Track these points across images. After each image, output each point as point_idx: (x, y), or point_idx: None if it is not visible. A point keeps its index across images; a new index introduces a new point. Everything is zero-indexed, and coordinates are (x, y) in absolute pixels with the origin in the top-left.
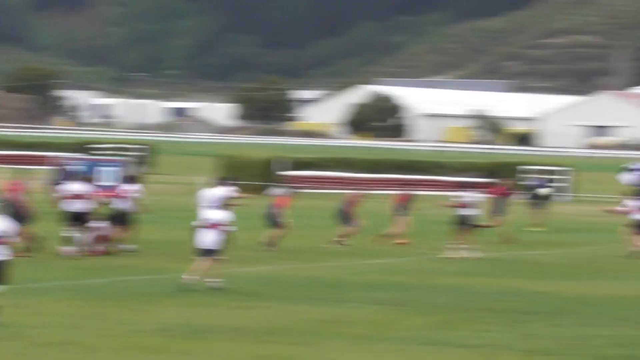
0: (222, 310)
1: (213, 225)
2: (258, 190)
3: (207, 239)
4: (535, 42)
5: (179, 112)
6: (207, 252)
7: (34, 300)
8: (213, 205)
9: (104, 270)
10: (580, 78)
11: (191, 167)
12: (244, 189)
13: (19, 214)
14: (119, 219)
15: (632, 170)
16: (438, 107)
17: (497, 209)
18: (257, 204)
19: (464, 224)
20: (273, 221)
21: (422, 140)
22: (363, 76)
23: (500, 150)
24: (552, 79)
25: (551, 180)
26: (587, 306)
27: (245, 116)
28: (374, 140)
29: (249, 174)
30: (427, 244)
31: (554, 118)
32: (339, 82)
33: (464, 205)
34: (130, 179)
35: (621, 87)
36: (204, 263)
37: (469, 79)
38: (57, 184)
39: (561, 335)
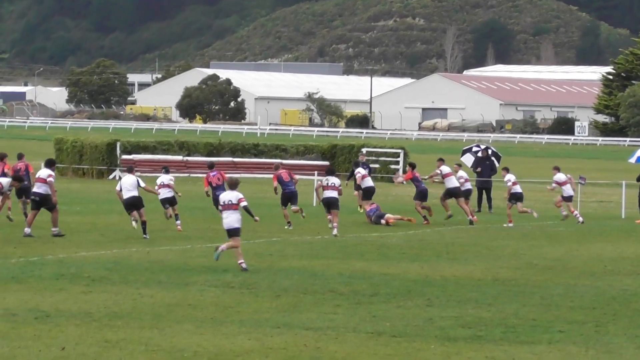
0: (68, 295)
1: None
2: (102, 174)
3: None
4: (364, 25)
5: (11, 96)
6: None
7: None
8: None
9: None
10: (409, 61)
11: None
12: (88, 173)
13: None
14: None
15: (474, 152)
16: (272, 90)
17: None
18: (100, 188)
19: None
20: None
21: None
22: (195, 60)
23: (338, 133)
24: (381, 62)
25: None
26: (432, 287)
27: (79, 100)
28: (211, 123)
29: (92, 158)
30: (274, 227)
31: (386, 100)
32: (172, 65)
33: (328, 188)
34: None
35: (451, 69)
36: None
37: (300, 62)
38: None
39: (407, 317)
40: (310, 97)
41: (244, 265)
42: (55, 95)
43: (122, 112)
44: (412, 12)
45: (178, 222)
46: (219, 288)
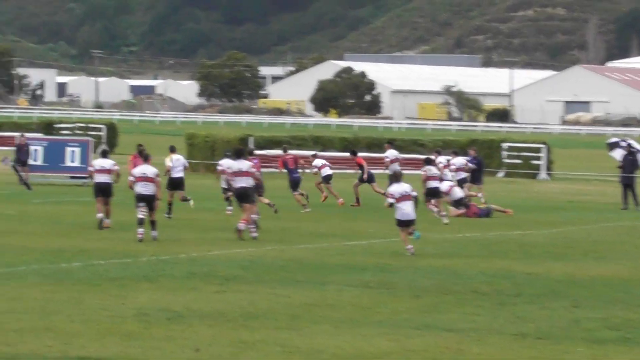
0: (201, 295)
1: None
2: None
3: None
4: (502, 15)
5: (141, 89)
6: None
7: (6, 286)
8: None
9: (78, 254)
10: (550, 52)
11: (160, 147)
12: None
13: None
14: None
15: (621, 146)
16: (408, 83)
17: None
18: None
19: (436, 196)
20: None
21: (394, 118)
22: (329, 52)
23: (477, 128)
24: (520, 53)
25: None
26: (578, 287)
27: (210, 94)
28: (346, 117)
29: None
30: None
31: (527, 93)
32: (304, 58)
33: (434, 179)
34: (104, 154)
35: (594, 61)
36: None
37: (437, 53)
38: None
39: (552, 318)
40: (448, 90)
41: (412, 250)
42: (185, 89)
43: (254, 106)
44: (552, 2)
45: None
46: (357, 288)
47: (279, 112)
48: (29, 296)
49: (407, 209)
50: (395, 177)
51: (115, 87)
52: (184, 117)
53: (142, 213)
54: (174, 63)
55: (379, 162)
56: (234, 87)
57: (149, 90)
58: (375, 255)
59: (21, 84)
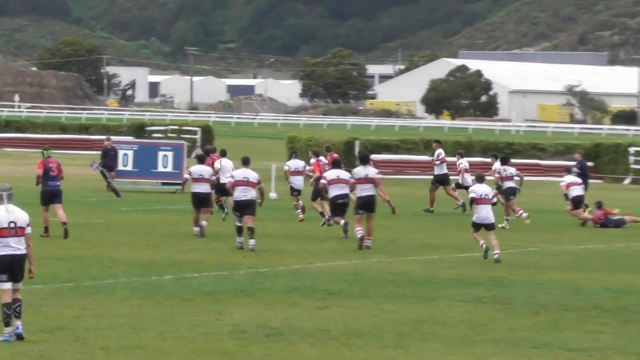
0: (303, 310)
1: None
2: None
3: None
4: (630, 10)
5: (239, 90)
6: None
7: (93, 300)
8: None
9: (170, 266)
10: None
11: (261, 152)
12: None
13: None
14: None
15: None
16: (528, 83)
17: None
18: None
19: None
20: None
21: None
22: (442, 49)
23: (602, 131)
24: None
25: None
26: None
27: (314, 94)
28: (460, 120)
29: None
30: (531, 235)
31: None
32: (415, 55)
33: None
34: (201, 159)
35: None
36: None
37: (559, 50)
38: (109, 168)
39: None
40: (570, 91)
41: (498, 256)
42: (286, 89)
43: (361, 107)
44: None
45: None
46: (470, 303)
47: (387, 113)
48: (117, 311)
49: (484, 212)
50: (479, 178)
51: (212, 87)
52: (285, 119)
53: (238, 221)
54: (275, 61)
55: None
56: (339, 87)
57: (248, 90)
58: (490, 268)
59: (110, 83)
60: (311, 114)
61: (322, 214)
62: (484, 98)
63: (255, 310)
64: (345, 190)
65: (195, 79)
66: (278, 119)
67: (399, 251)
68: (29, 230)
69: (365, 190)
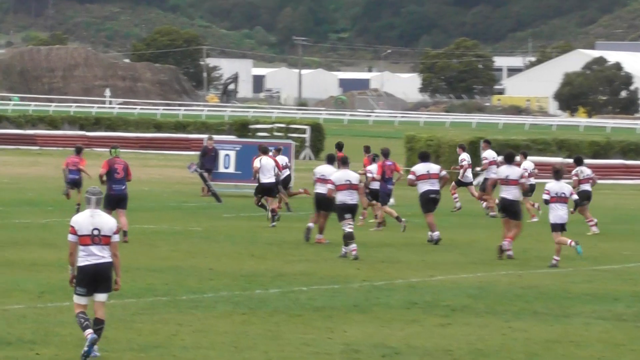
0: (422, 328)
1: None
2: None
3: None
4: None
5: (353, 84)
6: None
7: (191, 316)
8: None
9: (276, 278)
10: None
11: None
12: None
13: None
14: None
15: None
16: None
17: None
18: (461, 196)
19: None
20: None
21: None
22: (577, 39)
23: None
24: None
25: None
26: None
27: (435, 89)
28: (597, 117)
29: (452, 160)
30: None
31: None
32: (547, 46)
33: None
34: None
35: None
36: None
37: None
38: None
39: None
40: None
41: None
42: (405, 83)
43: (487, 104)
44: None
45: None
46: (608, 321)
47: (516, 110)
48: (218, 328)
49: (561, 212)
50: (557, 174)
51: (322, 81)
52: (403, 117)
53: (349, 226)
54: (392, 52)
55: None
56: (462, 81)
57: (362, 84)
58: (631, 282)
59: (211, 77)
60: (432, 111)
61: (397, 218)
62: (623, 94)
63: (370, 328)
64: (436, 185)
65: (303, 72)
66: (395, 117)
67: (530, 263)
68: (115, 238)
69: (508, 193)
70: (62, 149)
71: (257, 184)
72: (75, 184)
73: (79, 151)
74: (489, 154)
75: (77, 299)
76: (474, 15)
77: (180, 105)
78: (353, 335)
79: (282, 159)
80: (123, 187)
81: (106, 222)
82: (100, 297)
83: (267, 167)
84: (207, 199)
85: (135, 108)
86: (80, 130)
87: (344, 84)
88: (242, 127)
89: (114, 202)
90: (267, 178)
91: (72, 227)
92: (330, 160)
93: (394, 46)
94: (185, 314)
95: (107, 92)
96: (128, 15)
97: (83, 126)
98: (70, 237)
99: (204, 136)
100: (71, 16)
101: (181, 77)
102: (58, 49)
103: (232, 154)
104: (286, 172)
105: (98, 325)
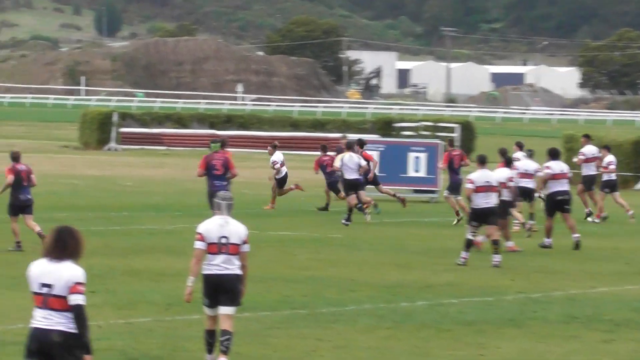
0: (583, 344)
1: None
2: (629, 183)
3: None
4: None
5: (506, 78)
6: None
7: (331, 330)
8: None
9: (423, 289)
10: None
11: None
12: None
13: None
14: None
15: None
16: None
17: None
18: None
19: None
20: None
21: None
22: None
23: None
24: None
25: None
26: None
27: (596, 84)
28: None
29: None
30: None
31: None
32: None
33: None
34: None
35: None
36: None
37: None
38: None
39: None
40: None
41: None
42: (563, 78)
43: None
44: None
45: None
46: None
47: None
48: (360, 344)
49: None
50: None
51: (472, 76)
52: (561, 114)
53: (471, 233)
54: (549, 44)
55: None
56: (626, 76)
57: (516, 79)
58: None
59: (352, 71)
60: (592, 108)
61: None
62: None
63: (525, 344)
64: (566, 186)
65: (452, 65)
66: (552, 114)
67: None
68: (245, 247)
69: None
70: (190, 149)
71: (343, 182)
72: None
73: (223, 145)
74: (588, 150)
75: (205, 310)
76: (638, 3)
77: (318, 101)
78: (507, 352)
79: (278, 156)
80: (225, 184)
81: (235, 229)
82: (225, 309)
83: (349, 164)
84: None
85: (270, 105)
86: (210, 129)
87: (496, 78)
88: (385, 126)
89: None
90: (351, 174)
91: (200, 234)
92: (505, 158)
93: (550, 37)
94: (324, 329)
95: (239, 88)
96: (262, 4)
97: (213, 124)
98: (198, 244)
99: (340, 135)
100: (200, 5)
101: (319, 71)
102: (186, 40)
103: (375, 154)
104: (284, 171)
105: (224, 336)
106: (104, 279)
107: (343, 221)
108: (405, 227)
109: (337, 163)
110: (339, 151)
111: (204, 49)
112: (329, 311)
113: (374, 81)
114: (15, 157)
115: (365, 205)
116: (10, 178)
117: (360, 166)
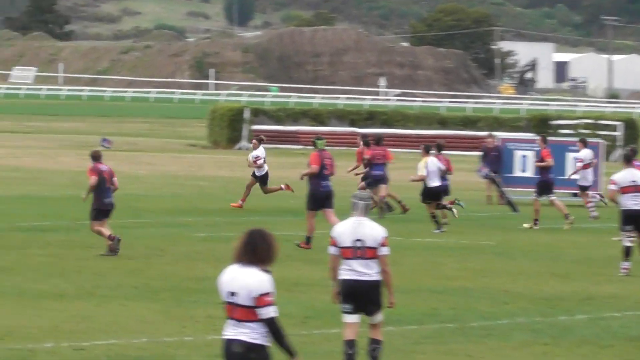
0: None
1: None
2: None
3: None
4: None
5: None
6: None
7: (483, 345)
8: None
9: (583, 302)
10: None
11: None
12: None
13: None
14: None
15: None
16: None
17: None
18: None
19: None
20: None
21: None
22: None
23: None
24: None
25: None
26: None
27: None
28: None
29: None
30: None
31: None
32: None
33: None
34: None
35: None
36: None
37: None
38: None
39: None
40: None
41: None
42: None
43: None
44: None
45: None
46: None
47: None
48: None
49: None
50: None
51: (637, 69)
52: None
53: (629, 240)
54: None
55: None
56: None
57: None
58: None
59: (505, 63)
60: None
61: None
62: None
63: None
64: None
65: (614, 57)
66: None
67: None
68: (384, 250)
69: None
70: (329, 149)
71: (424, 189)
72: (380, 180)
73: (378, 141)
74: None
75: (343, 317)
76: None
77: (468, 97)
78: None
79: (261, 151)
80: (330, 184)
81: (371, 231)
82: (370, 318)
83: (433, 169)
84: (501, 208)
85: (415, 100)
86: (350, 127)
87: None
88: (541, 123)
89: (323, 200)
90: (434, 181)
91: (333, 238)
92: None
93: None
94: (475, 344)
95: (382, 82)
96: None
97: (354, 122)
98: (331, 250)
99: (486, 134)
100: None
101: (469, 64)
102: (324, 30)
103: (530, 154)
104: (265, 168)
105: (372, 345)
106: None
107: (436, 231)
108: (561, 234)
109: (422, 171)
110: (485, 151)
111: (343, 39)
112: (479, 325)
113: (528, 75)
114: (97, 157)
115: (449, 203)
116: (94, 179)
117: (441, 171)
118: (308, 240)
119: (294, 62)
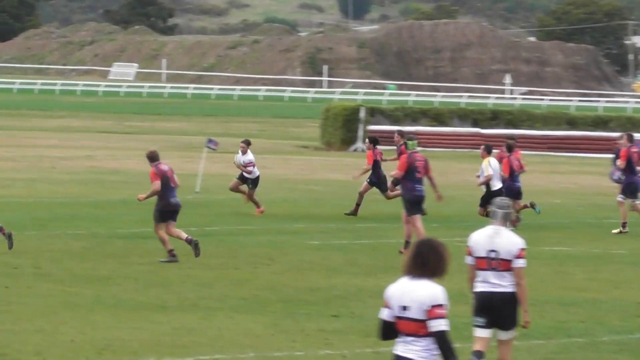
0: None
1: None
2: None
3: None
4: None
5: None
6: None
7: None
8: None
9: None
10: None
11: None
12: None
13: None
14: None
15: None
16: None
17: None
18: None
19: None
20: None
21: None
22: None
23: None
24: None
25: None
26: None
27: None
28: None
29: None
30: None
31: None
32: None
33: None
34: None
35: None
36: None
37: None
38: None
39: None
40: None
41: None
42: None
43: None
44: None
45: None
46: None
47: None
48: None
49: None
50: None
51: None
52: None
53: None
54: None
55: None
56: None
57: None
58: None
59: (638, 60)
60: None
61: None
62: None
63: None
64: None
65: None
66: None
67: None
68: (519, 263)
69: None
70: (451, 151)
71: (487, 192)
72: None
73: (510, 148)
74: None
75: (474, 331)
76: None
77: (599, 95)
78: None
79: (248, 157)
80: (423, 188)
81: (506, 242)
82: (501, 334)
83: (496, 170)
84: (636, 215)
85: (543, 99)
86: (473, 127)
87: None
88: None
89: (416, 204)
90: (497, 184)
91: (469, 247)
92: None
93: None
94: None
95: (507, 79)
96: None
97: (477, 122)
98: (467, 260)
99: (617, 135)
100: None
101: (601, 60)
102: (445, 24)
103: None
104: (257, 173)
105: None
106: (348, 301)
107: None
108: None
109: (489, 171)
110: (616, 154)
111: (466, 33)
112: (611, 340)
113: None
114: (155, 157)
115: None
116: (157, 184)
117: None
118: (407, 244)
119: (413, 58)
